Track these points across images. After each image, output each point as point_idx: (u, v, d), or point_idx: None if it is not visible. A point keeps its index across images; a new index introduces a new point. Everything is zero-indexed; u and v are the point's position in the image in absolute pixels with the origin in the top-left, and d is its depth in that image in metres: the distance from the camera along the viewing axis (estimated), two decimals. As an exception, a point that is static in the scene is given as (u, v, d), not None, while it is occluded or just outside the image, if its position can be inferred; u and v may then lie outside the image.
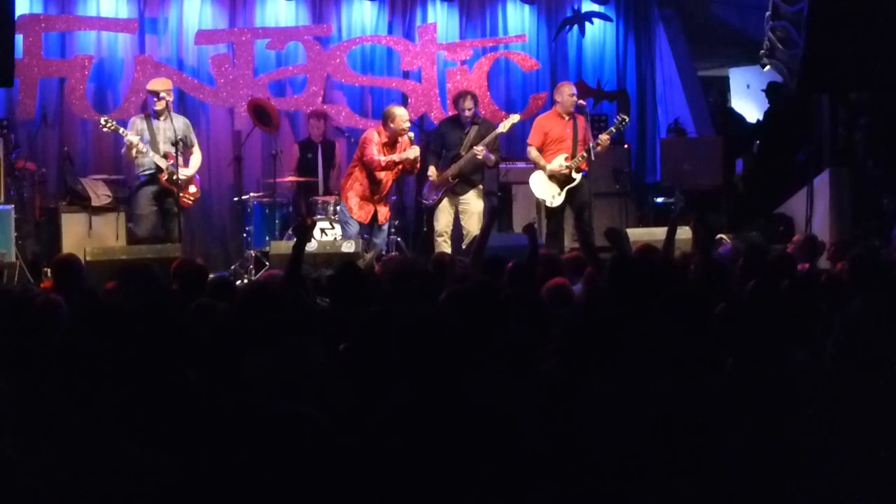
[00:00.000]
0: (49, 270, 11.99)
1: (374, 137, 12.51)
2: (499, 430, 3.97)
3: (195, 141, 12.72)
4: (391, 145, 12.56)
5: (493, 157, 12.86)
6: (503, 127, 12.87)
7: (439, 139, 13.23)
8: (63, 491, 3.54)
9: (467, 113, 12.94)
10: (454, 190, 12.94)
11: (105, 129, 12.22)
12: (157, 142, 12.19)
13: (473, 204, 12.95)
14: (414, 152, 12.55)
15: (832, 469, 4.28)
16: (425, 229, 13.75)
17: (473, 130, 12.93)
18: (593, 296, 6.51)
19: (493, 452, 3.87)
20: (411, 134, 12.73)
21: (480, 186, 13.13)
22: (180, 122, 12.48)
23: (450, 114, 13.76)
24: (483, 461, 3.84)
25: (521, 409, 4.32)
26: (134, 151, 12.03)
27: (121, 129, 12.08)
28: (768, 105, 15.95)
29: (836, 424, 4.41)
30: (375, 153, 12.39)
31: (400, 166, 12.60)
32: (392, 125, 12.45)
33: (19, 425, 3.81)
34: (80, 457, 3.62)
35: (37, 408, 3.89)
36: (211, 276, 8.48)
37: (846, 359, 4.87)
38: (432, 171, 12.96)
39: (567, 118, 12.94)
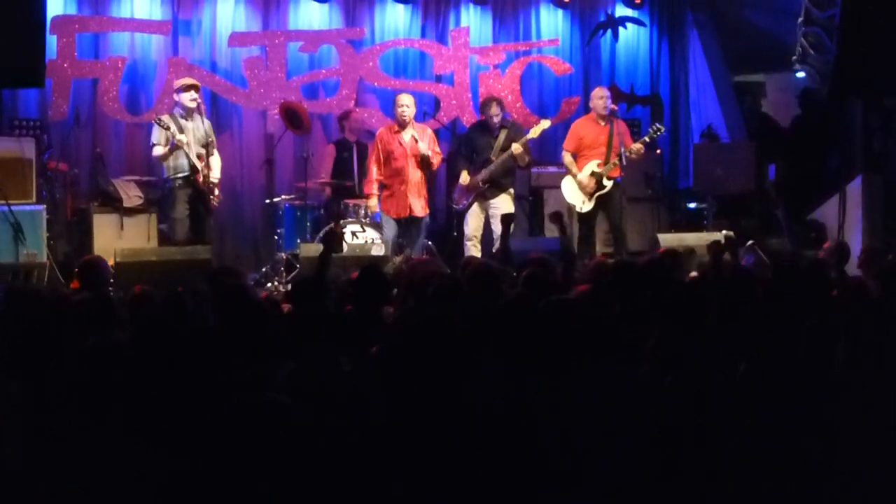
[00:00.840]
0: (79, 271, 12.08)
1: (381, 137, 12.99)
2: (500, 433, 3.98)
3: (215, 142, 12.68)
4: (404, 129, 12.80)
5: (527, 157, 12.88)
6: (534, 133, 12.86)
7: (469, 144, 13.29)
8: (72, 492, 3.56)
9: (495, 119, 12.97)
10: (485, 194, 12.94)
11: (161, 126, 12.06)
12: (189, 142, 12.16)
13: (504, 208, 12.90)
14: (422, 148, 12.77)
15: (839, 480, 4.24)
16: (455, 234, 13.72)
17: (503, 134, 12.94)
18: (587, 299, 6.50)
19: (493, 455, 3.87)
20: (418, 130, 12.90)
21: (511, 190, 13.11)
22: (205, 124, 12.47)
23: (481, 118, 13.70)
24: (483, 464, 3.84)
25: (526, 412, 4.31)
26: (169, 152, 12.02)
27: (172, 129, 12.02)
28: (800, 111, 15.86)
29: (846, 435, 4.38)
30: (373, 162, 12.89)
31: (416, 158, 12.74)
32: (394, 111, 12.92)
33: (34, 428, 3.84)
34: (92, 458, 3.64)
35: (54, 410, 3.91)
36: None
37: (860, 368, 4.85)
38: (464, 176, 12.97)
39: (603, 123, 12.91)
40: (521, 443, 4.03)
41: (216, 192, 12.41)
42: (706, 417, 4.44)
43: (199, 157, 12.10)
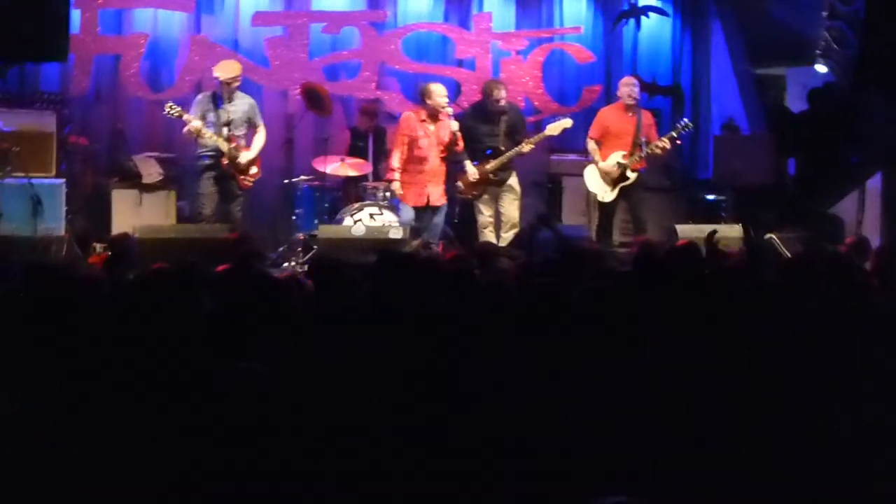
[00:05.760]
0: (97, 246, 12.10)
1: (408, 122, 12.60)
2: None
3: (261, 122, 12.66)
4: (433, 119, 12.53)
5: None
6: (554, 130, 12.72)
7: (469, 133, 12.76)
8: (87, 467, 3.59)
9: (501, 104, 12.69)
10: (494, 182, 12.78)
11: (170, 115, 12.07)
12: (220, 123, 12.16)
13: (514, 188, 12.78)
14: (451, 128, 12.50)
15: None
16: (456, 220, 13.64)
17: (503, 120, 12.76)
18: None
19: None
20: (450, 109, 12.60)
21: (514, 170, 12.97)
22: (246, 104, 12.49)
23: (479, 101, 13.37)
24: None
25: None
26: (187, 133, 12.06)
27: (185, 115, 12.01)
28: (808, 108, 15.70)
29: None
30: (397, 147, 12.56)
31: (441, 147, 12.55)
32: (429, 101, 12.48)
33: (45, 400, 3.86)
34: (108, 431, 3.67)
35: (67, 385, 3.93)
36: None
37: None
38: (470, 168, 12.71)
39: (630, 113, 12.85)
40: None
41: (252, 170, 12.47)
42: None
43: (230, 138, 12.12)
